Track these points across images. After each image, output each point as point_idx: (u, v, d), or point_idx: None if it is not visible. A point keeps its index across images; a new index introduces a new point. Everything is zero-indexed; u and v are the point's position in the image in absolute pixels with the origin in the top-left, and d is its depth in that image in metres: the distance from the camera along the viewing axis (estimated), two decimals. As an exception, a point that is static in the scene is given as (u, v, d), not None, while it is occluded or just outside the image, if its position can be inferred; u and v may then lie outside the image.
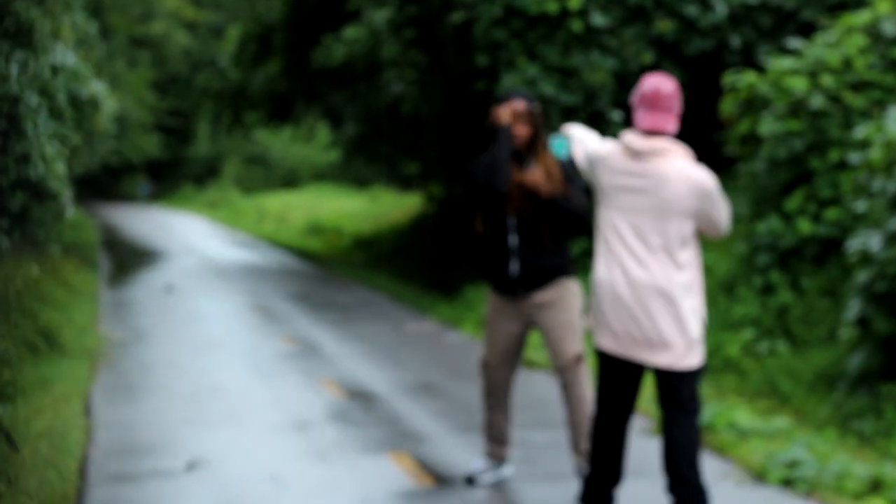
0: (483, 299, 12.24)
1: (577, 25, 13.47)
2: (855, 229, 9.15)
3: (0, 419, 5.65)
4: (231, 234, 27.71)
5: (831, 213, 9.85)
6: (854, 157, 9.21)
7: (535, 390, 8.52)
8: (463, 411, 7.86)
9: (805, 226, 9.88)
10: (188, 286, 16.14)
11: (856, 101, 10.02)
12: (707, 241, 10.65)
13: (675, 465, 4.97)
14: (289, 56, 21.74)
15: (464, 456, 6.62)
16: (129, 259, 20.71)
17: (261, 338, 11.54)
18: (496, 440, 6.08)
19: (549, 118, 13.02)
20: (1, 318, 6.37)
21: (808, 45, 10.77)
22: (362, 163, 29.55)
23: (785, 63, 10.40)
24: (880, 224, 8.25)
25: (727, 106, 10.74)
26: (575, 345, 5.83)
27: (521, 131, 5.78)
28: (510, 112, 5.78)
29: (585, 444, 5.73)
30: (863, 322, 8.28)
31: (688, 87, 12.96)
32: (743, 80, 10.63)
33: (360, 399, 8.39)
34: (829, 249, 9.95)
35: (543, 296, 5.82)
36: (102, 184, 43.60)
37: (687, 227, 4.94)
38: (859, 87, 10.18)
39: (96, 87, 11.89)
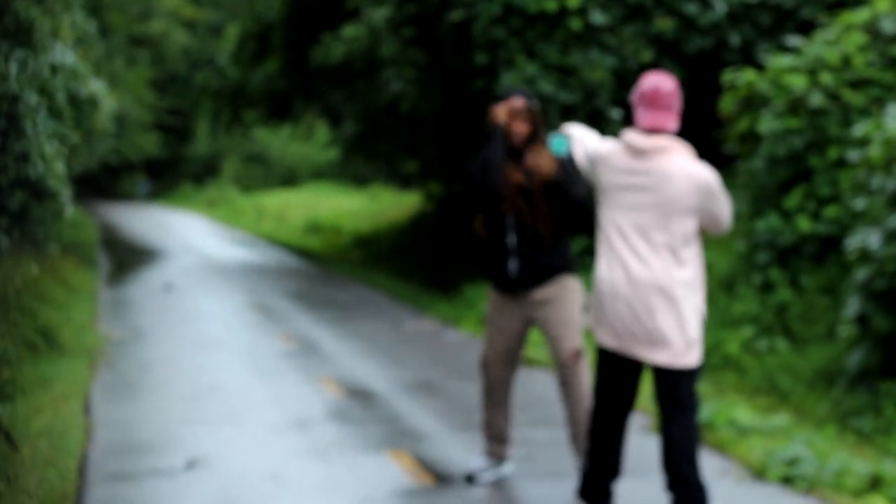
0: (482, 297, 12.24)
1: (576, 23, 13.47)
2: (854, 227, 9.15)
3: (-1, 418, 5.65)
4: (230, 232, 27.70)
5: (830, 211, 9.85)
6: (853, 154, 9.21)
7: (536, 388, 8.52)
8: (462, 410, 7.85)
9: (804, 223, 9.88)
10: (187, 285, 16.13)
11: (855, 98, 10.02)
12: (707, 239, 10.65)
13: (674, 463, 4.97)
14: (288, 54, 21.73)
15: (463, 454, 6.62)
16: (128, 258, 20.70)
17: (260, 336, 11.54)
18: (496, 439, 6.08)
19: (549, 117, 13.01)
20: (0, 316, 6.37)
21: (808, 42, 10.77)
22: (361, 161, 29.55)
23: (784, 61, 10.40)
24: (879, 222, 8.25)
25: (726, 104, 10.74)
26: (574, 341, 5.83)
27: (521, 129, 5.77)
28: (506, 111, 5.77)
29: (584, 441, 5.73)
30: (862, 319, 8.28)
31: (687, 86, 12.96)
32: (742, 78, 10.64)
33: (359, 397, 8.39)
34: (828, 247, 9.95)
35: (543, 293, 5.82)
36: (101, 183, 43.64)
37: (690, 225, 4.94)
38: (858, 84, 10.18)
39: (95, 86, 11.89)
